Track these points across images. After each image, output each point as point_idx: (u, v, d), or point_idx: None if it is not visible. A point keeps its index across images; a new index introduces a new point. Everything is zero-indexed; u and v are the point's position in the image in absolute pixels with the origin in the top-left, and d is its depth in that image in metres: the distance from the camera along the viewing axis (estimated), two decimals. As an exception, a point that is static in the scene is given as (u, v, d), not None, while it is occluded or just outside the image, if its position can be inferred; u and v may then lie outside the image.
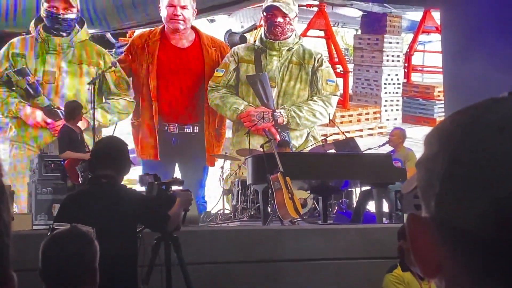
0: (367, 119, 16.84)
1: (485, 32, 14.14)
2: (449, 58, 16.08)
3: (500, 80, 12.06)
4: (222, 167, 13.75)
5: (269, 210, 11.13)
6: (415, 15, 18.18)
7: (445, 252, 0.96)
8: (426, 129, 15.00)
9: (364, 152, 12.45)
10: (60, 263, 3.60)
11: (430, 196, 0.98)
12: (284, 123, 15.01)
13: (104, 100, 14.41)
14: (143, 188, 8.12)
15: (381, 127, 16.44)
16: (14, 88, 13.95)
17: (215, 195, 14.18)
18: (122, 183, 5.72)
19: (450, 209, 0.95)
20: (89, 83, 12.59)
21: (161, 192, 5.97)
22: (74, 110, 11.38)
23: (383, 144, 13.32)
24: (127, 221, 5.42)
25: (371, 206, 11.90)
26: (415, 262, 1.01)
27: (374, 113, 16.94)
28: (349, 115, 16.70)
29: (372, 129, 16.67)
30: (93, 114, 11.63)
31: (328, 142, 13.43)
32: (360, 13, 17.98)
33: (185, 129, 15.14)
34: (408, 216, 1.02)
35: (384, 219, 11.46)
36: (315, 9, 17.08)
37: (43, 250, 3.63)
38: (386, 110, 17.01)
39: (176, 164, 15.03)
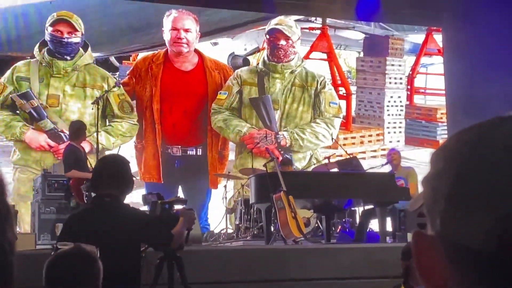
0: (370, 141, 16.84)
1: (488, 53, 14.15)
2: (452, 80, 16.09)
3: (503, 101, 12.06)
4: (225, 186, 13.73)
5: (272, 229, 11.12)
6: (417, 37, 18.27)
7: (451, 270, 0.96)
8: (429, 151, 15.02)
9: (367, 171, 12.46)
10: (64, 283, 3.60)
11: (435, 214, 0.98)
12: (287, 145, 14.99)
13: (107, 123, 14.43)
14: (146, 208, 8.16)
15: (384, 149, 16.38)
16: (18, 111, 13.96)
17: (218, 214, 14.18)
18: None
19: (455, 227, 0.95)
20: (92, 103, 12.65)
21: (164, 211, 5.97)
22: (78, 130, 11.44)
23: (386, 163, 13.36)
24: (130, 240, 5.40)
25: (374, 225, 11.89)
26: (420, 279, 1.01)
27: (377, 135, 16.95)
28: (352, 137, 16.70)
29: (375, 151, 16.66)
30: (97, 133, 11.66)
31: (331, 161, 13.43)
32: (363, 35, 18.11)
33: (188, 152, 15.11)
34: (414, 233, 1.02)
35: (387, 238, 11.44)
36: (318, 31, 17.19)
37: (47, 269, 3.63)
38: (389, 132, 17.01)
39: (179, 186, 15.03)
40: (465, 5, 14.05)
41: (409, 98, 17.67)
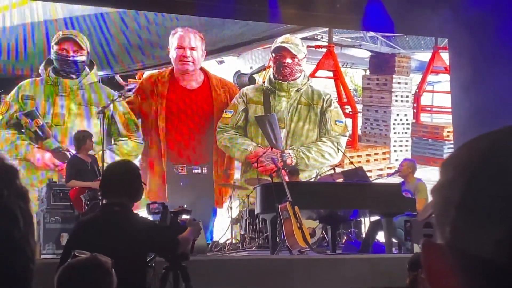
0: (376, 160, 16.81)
1: (495, 70, 14.17)
2: (458, 98, 16.10)
3: (510, 118, 12.04)
4: (230, 197, 13.74)
5: (277, 239, 11.09)
6: (424, 55, 18.30)
7: (460, 279, 0.96)
8: (436, 170, 14.96)
9: (373, 182, 12.43)
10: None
11: (445, 223, 0.97)
12: (293, 164, 14.97)
13: (112, 142, 14.44)
14: (150, 217, 8.14)
15: (390, 168, 16.39)
16: (23, 130, 13.98)
17: (223, 224, 14.21)
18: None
19: (465, 236, 0.94)
20: (98, 112, 12.66)
21: (173, 220, 5.97)
22: (78, 140, 11.55)
23: (392, 174, 13.32)
24: (139, 250, 5.39)
25: (381, 237, 11.84)
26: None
27: (383, 153, 16.92)
28: (358, 156, 16.65)
29: (381, 169, 16.62)
30: (103, 142, 11.69)
31: (336, 171, 13.42)
32: (369, 53, 18.12)
33: (193, 171, 15.12)
34: (423, 242, 1.02)
35: (393, 249, 11.39)
36: (324, 50, 17.20)
37: (59, 278, 3.61)
38: (395, 151, 16.98)
39: (184, 205, 14.97)
40: (471, 16, 14.07)
41: (416, 116, 17.65)
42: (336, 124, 15.42)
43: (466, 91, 15.20)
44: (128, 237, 5.29)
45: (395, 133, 17.09)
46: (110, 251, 5.05)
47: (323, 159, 15.25)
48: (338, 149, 15.06)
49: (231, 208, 13.40)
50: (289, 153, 15.08)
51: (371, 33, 18.20)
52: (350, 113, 16.87)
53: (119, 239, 5.23)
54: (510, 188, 0.90)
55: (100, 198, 5.72)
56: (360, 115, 17.21)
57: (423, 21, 14.89)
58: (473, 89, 14.77)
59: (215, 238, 13.59)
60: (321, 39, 17.85)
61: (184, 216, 6.20)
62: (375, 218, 11.64)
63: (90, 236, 5.24)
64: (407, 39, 18.71)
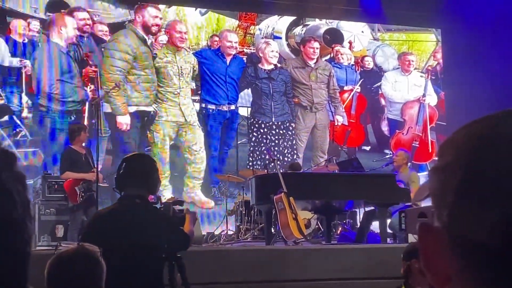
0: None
1: (487, 59, 14.28)
2: (451, 89, 16.27)
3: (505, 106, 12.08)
4: (225, 189, 13.76)
5: (272, 230, 11.10)
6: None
7: (455, 262, 0.96)
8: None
9: (367, 172, 12.44)
10: (65, 283, 3.59)
11: (443, 206, 0.98)
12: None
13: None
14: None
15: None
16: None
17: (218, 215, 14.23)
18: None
19: (462, 220, 0.95)
20: (91, 104, 12.66)
21: (174, 211, 5.97)
22: (72, 132, 11.54)
23: (387, 164, 13.34)
24: (159, 243, 5.42)
25: (375, 227, 11.87)
26: (425, 271, 1.01)
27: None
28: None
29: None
30: (97, 134, 11.67)
31: (331, 162, 13.41)
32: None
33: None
34: (419, 225, 1.02)
35: (388, 239, 11.42)
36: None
37: (49, 269, 3.62)
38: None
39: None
40: (462, 8, 14.15)
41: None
42: None
43: (459, 83, 15.33)
44: (150, 230, 5.34)
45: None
46: (132, 243, 5.12)
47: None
48: None
49: (226, 200, 13.46)
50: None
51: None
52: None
53: (142, 232, 5.28)
54: (506, 174, 0.91)
55: (116, 189, 5.64)
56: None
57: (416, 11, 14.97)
58: (466, 78, 14.89)
59: (210, 230, 13.61)
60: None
61: (178, 207, 6.21)
62: (370, 208, 11.64)
63: (110, 229, 5.26)
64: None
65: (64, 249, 3.86)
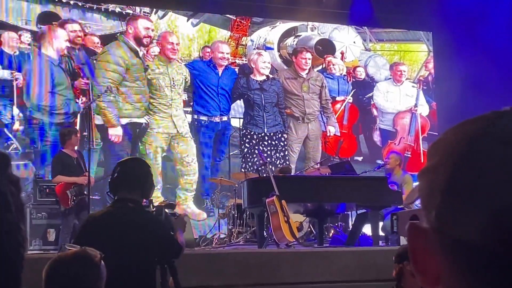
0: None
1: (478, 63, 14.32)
2: (443, 91, 16.28)
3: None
4: (217, 192, 13.76)
5: (265, 233, 11.11)
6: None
7: (445, 263, 0.96)
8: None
9: (359, 175, 12.45)
10: (63, 285, 3.58)
11: (431, 207, 0.97)
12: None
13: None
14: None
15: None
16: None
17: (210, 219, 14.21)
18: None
19: (450, 220, 0.94)
20: (84, 107, 12.63)
21: (167, 216, 5.95)
22: (65, 135, 11.53)
23: (379, 167, 13.36)
24: (152, 247, 5.39)
25: (367, 230, 11.88)
26: (415, 272, 1.01)
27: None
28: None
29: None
30: (89, 138, 11.67)
31: (323, 165, 13.42)
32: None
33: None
34: (409, 225, 1.01)
35: (380, 242, 11.43)
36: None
37: (48, 271, 3.61)
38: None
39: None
40: (453, 11, 14.21)
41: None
42: None
43: (450, 86, 15.35)
44: (144, 234, 5.30)
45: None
46: (125, 247, 5.10)
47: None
48: None
49: (218, 203, 13.45)
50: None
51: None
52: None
53: (135, 236, 5.26)
54: (495, 173, 0.91)
55: (110, 193, 5.61)
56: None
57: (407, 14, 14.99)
58: (457, 81, 14.92)
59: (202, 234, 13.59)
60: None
61: (169, 210, 6.19)
62: (362, 211, 11.65)
63: (103, 231, 5.25)
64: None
65: (67, 251, 3.86)
